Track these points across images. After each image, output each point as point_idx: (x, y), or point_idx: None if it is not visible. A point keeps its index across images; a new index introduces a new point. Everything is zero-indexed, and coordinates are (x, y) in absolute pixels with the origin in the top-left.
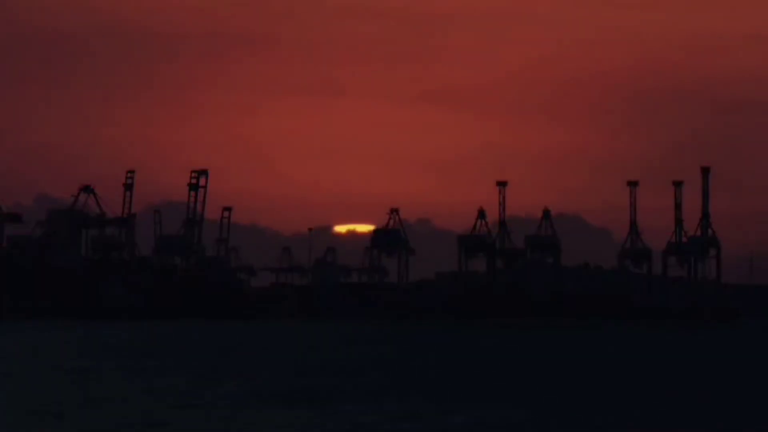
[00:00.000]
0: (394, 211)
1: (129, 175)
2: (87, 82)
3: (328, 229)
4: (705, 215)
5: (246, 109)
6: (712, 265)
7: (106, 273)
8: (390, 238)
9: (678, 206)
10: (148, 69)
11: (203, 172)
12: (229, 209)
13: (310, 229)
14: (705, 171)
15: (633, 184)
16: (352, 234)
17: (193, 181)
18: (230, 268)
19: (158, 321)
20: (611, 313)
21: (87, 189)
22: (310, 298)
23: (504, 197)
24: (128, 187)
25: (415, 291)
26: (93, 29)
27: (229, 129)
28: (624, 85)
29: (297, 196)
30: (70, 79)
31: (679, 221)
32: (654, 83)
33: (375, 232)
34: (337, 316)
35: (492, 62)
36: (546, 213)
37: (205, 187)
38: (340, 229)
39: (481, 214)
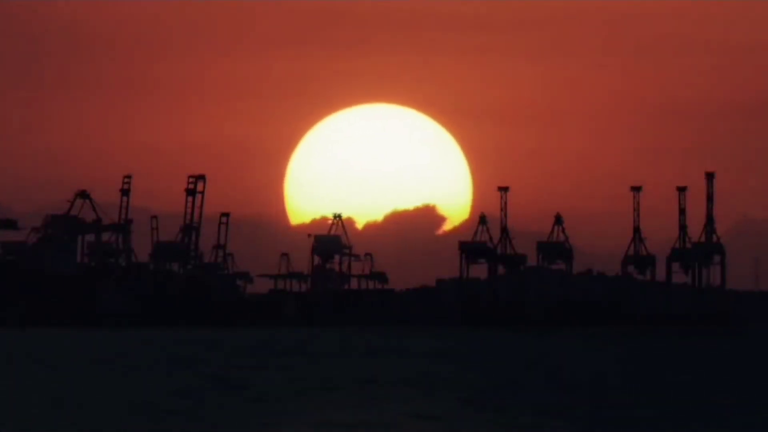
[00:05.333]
0: (337, 216)
1: (126, 180)
2: (83, 86)
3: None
4: (709, 221)
5: (243, 112)
6: (717, 272)
7: (102, 279)
8: (330, 244)
9: (682, 212)
10: (144, 72)
11: (201, 178)
12: (227, 215)
13: (309, 235)
14: (709, 176)
15: (636, 189)
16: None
17: (191, 186)
18: (228, 275)
19: (155, 328)
20: (615, 320)
21: (83, 194)
22: (309, 304)
23: (506, 203)
24: (125, 192)
25: (415, 298)
26: (89, 34)
27: (227, 133)
28: (627, 90)
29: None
30: (66, 83)
31: (683, 227)
32: (658, 87)
33: (315, 238)
34: (336, 323)
35: (494, 65)
36: (558, 218)
37: (202, 192)
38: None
39: (482, 219)
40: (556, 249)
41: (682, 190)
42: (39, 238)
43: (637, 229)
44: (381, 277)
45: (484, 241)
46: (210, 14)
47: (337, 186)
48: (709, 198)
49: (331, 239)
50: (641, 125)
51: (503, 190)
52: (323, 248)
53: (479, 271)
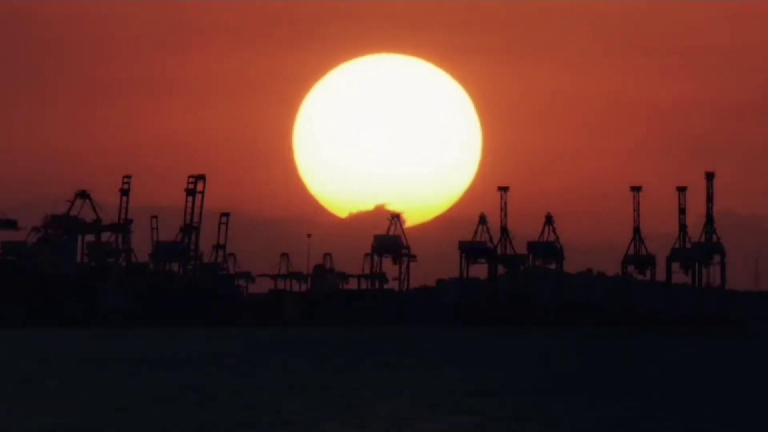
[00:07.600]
0: (395, 217)
1: (125, 180)
2: (83, 86)
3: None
4: (709, 221)
5: (245, 111)
6: (717, 272)
7: (102, 279)
8: (390, 244)
9: (682, 212)
10: (145, 73)
11: (201, 177)
12: (227, 215)
13: (309, 235)
14: (709, 176)
15: (636, 189)
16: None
17: (191, 186)
18: (228, 274)
19: (154, 327)
20: (614, 320)
21: (83, 194)
22: (309, 304)
23: (506, 203)
24: (125, 192)
25: (415, 297)
26: (90, 34)
27: (227, 133)
28: (627, 90)
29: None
30: (66, 83)
31: (683, 227)
32: (658, 87)
33: (375, 238)
34: (336, 323)
35: (496, 67)
36: (548, 218)
37: (202, 192)
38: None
39: (482, 219)
40: (546, 249)
41: (682, 190)
42: (39, 238)
43: (637, 229)
44: (381, 277)
45: (483, 241)
46: (209, 14)
47: (336, 180)
48: (709, 198)
49: (391, 239)
50: (641, 125)
51: (503, 190)
52: (383, 248)
53: (479, 271)
